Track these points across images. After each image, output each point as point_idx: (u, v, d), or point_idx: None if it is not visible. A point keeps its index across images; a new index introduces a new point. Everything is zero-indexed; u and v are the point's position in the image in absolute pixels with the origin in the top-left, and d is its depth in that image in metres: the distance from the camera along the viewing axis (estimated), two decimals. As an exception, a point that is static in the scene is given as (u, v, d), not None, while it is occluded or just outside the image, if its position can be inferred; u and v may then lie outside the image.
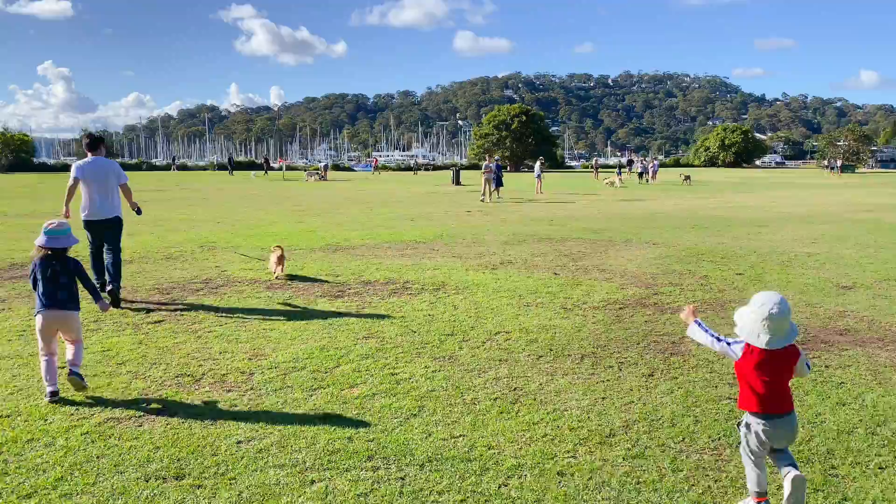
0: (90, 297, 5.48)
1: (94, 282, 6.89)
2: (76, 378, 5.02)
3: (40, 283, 5.07)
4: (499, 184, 28.17)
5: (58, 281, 5.07)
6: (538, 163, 33.98)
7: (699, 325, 3.65)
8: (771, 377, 3.31)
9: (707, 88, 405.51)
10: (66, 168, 71.79)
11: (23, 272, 10.03)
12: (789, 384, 3.42)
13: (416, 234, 15.36)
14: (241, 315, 7.60)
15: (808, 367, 3.48)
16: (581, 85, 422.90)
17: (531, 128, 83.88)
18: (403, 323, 7.24)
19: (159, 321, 7.34)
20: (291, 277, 9.84)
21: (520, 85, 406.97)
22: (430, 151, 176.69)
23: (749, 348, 3.34)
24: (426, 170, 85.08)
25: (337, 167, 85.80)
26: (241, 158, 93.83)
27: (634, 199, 28.03)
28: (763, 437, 3.36)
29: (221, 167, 74.43)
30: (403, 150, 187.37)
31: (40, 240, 5.13)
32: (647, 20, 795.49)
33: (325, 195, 31.11)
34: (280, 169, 66.76)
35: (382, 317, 7.49)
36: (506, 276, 9.91)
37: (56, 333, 5.12)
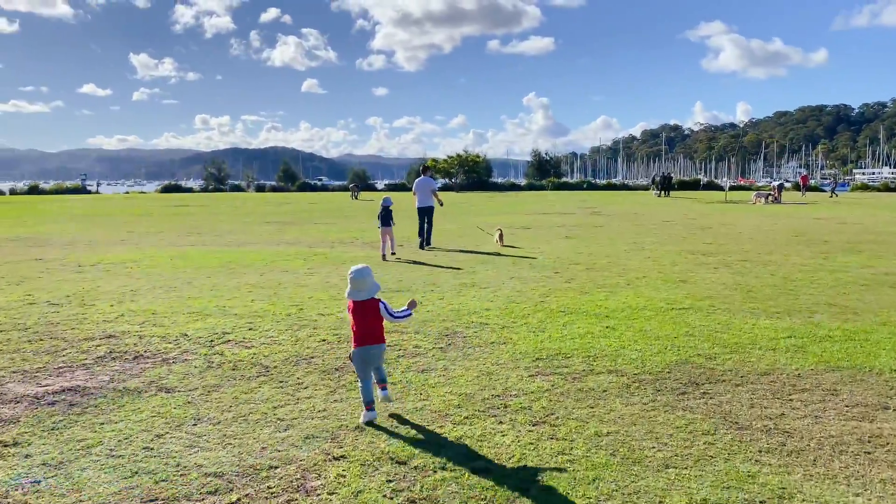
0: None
1: (419, 237, 15.78)
2: (391, 255, 13.85)
3: (380, 217, 13.87)
4: None
5: (386, 216, 13.86)
6: None
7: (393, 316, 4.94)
8: (362, 319, 4.82)
9: None
10: (513, 188, 73.98)
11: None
12: (382, 325, 4.88)
13: (915, 344, 6.63)
14: None
15: (392, 315, 4.88)
16: None
17: None
18: None
19: None
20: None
21: None
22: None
23: (351, 304, 4.88)
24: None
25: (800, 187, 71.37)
26: (686, 178, 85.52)
27: None
28: (358, 365, 4.86)
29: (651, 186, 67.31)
30: (895, 167, 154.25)
31: (382, 203, 14.14)
32: None
33: (763, 225, 22.08)
34: (724, 188, 57.18)
35: None
36: None
37: (386, 236, 13.82)
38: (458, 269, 12.26)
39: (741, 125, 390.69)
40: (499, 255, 14.20)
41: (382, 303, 4.86)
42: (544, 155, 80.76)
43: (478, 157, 70.94)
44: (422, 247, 15.56)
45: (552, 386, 5.43)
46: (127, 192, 72.32)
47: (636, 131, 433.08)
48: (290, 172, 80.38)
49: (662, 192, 49.64)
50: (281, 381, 5.59)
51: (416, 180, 16.43)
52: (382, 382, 4.93)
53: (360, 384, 4.86)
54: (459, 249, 15.44)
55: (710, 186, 69.91)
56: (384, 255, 13.69)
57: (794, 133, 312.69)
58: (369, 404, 4.76)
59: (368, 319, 4.80)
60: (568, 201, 40.74)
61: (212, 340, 6.92)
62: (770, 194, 41.56)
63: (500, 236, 15.87)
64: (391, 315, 4.87)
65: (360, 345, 4.81)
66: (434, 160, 72.49)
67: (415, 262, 13.23)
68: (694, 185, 68.23)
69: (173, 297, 9.34)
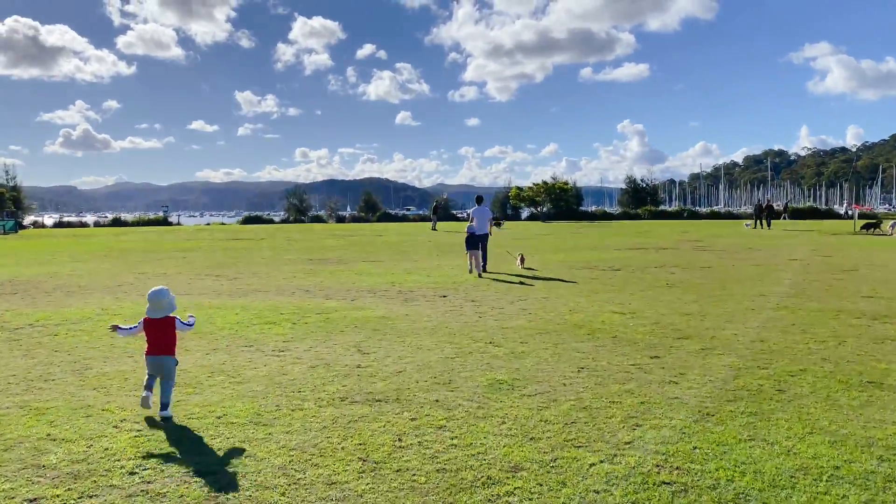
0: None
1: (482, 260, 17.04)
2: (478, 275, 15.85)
3: (467, 241, 16.21)
4: None
5: (473, 243, 16.02)
6: None
7: (120, 329, 5.77)
8: (155, 334, 5.57)
9: None
10: (605, 216, 68.96)
11: None
12: (175, 338, 5.68)
13: None
14: None
15: (187, 325, 5.78)
16: None
17: None
18: None
19: None
20: None
21: None
22: None
23: (145, 320, 5.62)
24: None
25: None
26: (799, 205, 77.69)
27: None
28: (149, 370, 5.52)
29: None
30: None
31: (468, 230, 16.57)
32: None
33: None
34: (850, 216, 50.34)
35: None
36: None
37: (472, 258, 16.07)
38: (501, 343, 8.20)
39: (853, 149, 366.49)
40: (574, 309, 10.05)
41: (178, 319, 5.72)
42: (640, 181, 75.04)
43: (566, 184, 66.18)
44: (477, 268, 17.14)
45: None
46: (208, 224, 71.67)
47: (738, 157, 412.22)
48: (372, 202, 78.21)
49: (758, 223, 42.07)
50: None
51: (473, 209, 18.32)
52: (165, 405, 5.44)
53: (146, 378, 5.59)
54: (520, 296, 11.34)
55: (828, 214, 62.37)
56: (470, 270, 16.29)
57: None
58: (149, 388, 5.50)
59: (162, 335, 5.59)
60: (667, 233, 35.69)
61: None
62: (904, 223, 35.10)
63: (521, 259, 17.86)
64: (185, 325, 5.77)
65: (154, 354, 5.56)
66: (518, 188, 68.33)
67: (480, 288, 9.22)
68: (808, 213, 61.23)
69: (11, 408, 5.74)
